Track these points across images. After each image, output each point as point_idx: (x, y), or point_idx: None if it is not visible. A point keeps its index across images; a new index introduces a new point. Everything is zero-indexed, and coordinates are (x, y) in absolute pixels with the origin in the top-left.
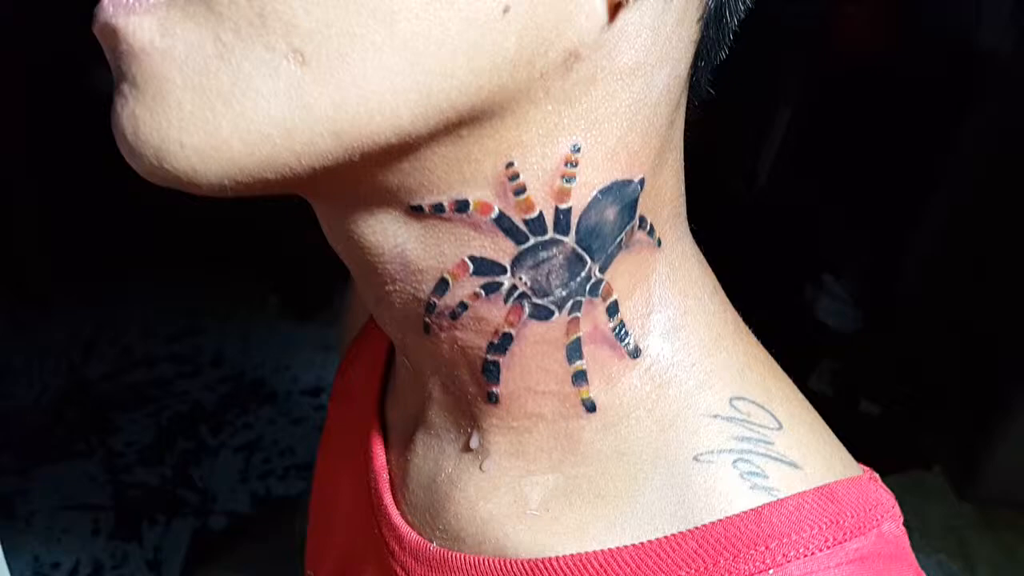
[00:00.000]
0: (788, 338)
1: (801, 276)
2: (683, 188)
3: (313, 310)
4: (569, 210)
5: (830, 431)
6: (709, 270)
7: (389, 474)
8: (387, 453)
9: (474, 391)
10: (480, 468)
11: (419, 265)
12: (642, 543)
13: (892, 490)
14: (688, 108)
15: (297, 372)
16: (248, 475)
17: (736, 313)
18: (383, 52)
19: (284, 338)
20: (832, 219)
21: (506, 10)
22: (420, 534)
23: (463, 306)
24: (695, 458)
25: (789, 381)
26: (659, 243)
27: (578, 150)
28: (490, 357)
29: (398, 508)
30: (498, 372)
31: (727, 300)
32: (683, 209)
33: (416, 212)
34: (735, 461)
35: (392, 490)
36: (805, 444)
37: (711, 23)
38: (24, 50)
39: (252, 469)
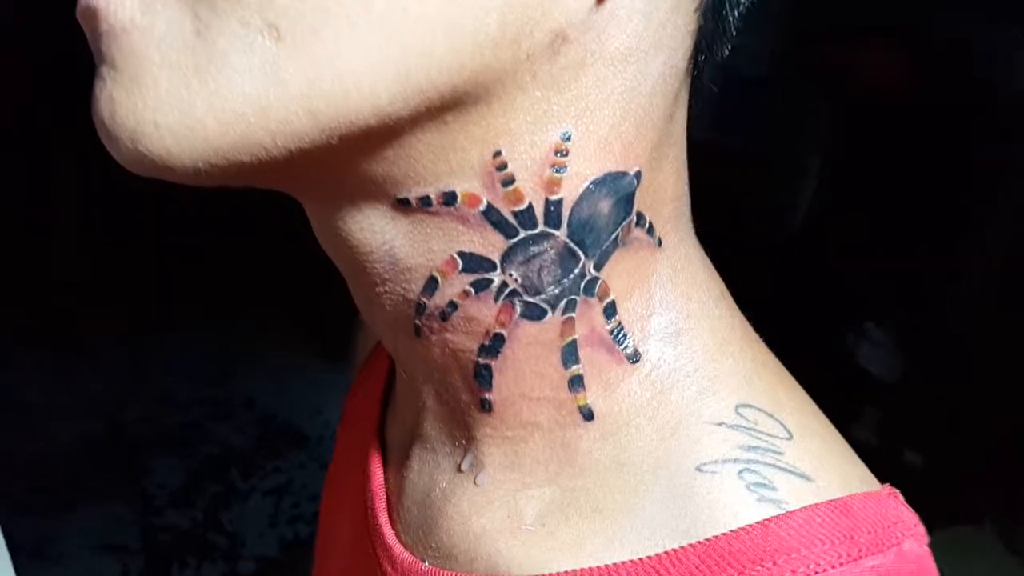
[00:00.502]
0: (829, 386)
1: (841, 323)
2: (687, 189)
3: (345, 353)
4: (560, 202)
5: (846, 445)
6: (716, 275)
7: (387, 493)
8: (386, 472)
9: (467, 399)
10: (474, 482)
11: (408, 263)
12: (641, 559)
13: (938, 545)
14: (690, 107)
15: (328, 416)
16: (277, 519)
17: (745, 321)
18: (358, 27)
19: (316, 381)
20: (871, 265)
21: None
22: (413, 553)
23: (453, 306)
24: (698, 468)
25: (802, 392)
26: (660, 243)
27: (568, 138)
28: (482, 360)
29: (393, 527)
30: (490, 377)
31: (735, 307)
32: (687, 211)
33: (403, 206)
34: (741, 471)
35: (389, 509)
36: (818, 456)
37: (709, 14)
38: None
39: (281, 513)
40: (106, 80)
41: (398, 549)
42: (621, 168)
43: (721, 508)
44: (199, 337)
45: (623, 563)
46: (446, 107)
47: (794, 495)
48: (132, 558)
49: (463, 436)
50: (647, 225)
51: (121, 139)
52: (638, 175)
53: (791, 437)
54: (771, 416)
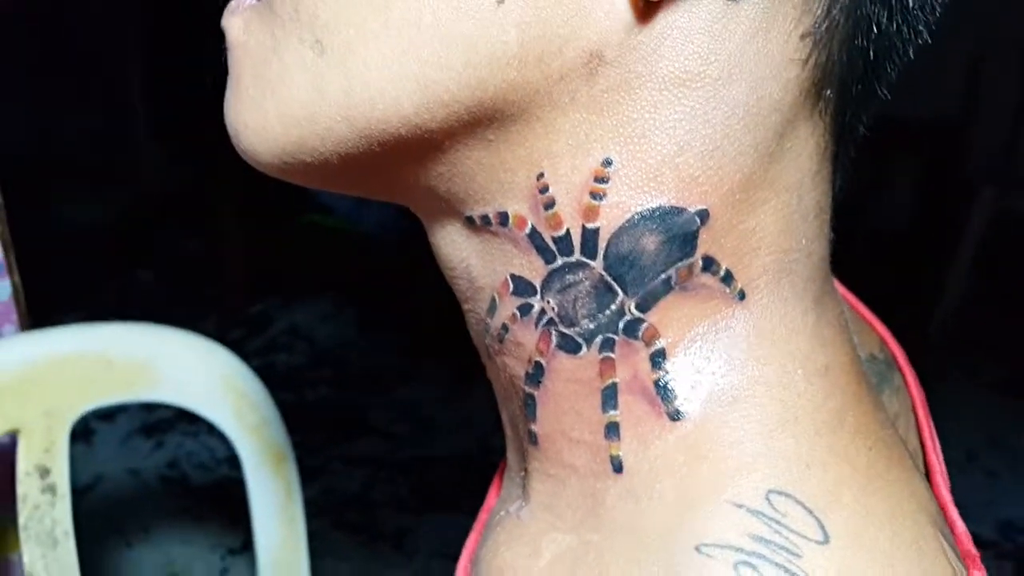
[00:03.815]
0: None
1: None
2: (808, 245)
3: None
4: (597, 231)
5: None
6: (833, 348)
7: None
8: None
9: (522, 428)
10: (518, 515)
11: (480, 283)
12: None
13: None
14: (834, 155)
15: None
16: None
17: (867, 410)
18: (380, 40)
19: None
20: None
21: (501, 1)
22: None
23: (505, 328)
24: (697, 548)
25: (908, 507)
26: (741, 296)
27: (610, 164)
28: (527, 389)
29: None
30: (535, 407)
31: (852, 391)
32: (803, 269)
33: (471, 224)
34: (738, 563)
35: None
36: (853, 574)
37: (832, 44)
38: None
39: None
40: (228, 87)
41: (461, 570)
42: (677, 203)
43: None
44: None
45: None
46: (481, 123)
47: None
48: None
49: (522, 467)
50: (721, 272)
51: (232, 135)
52: (702, 214)
53: (826, 542)
54: (810, 513)
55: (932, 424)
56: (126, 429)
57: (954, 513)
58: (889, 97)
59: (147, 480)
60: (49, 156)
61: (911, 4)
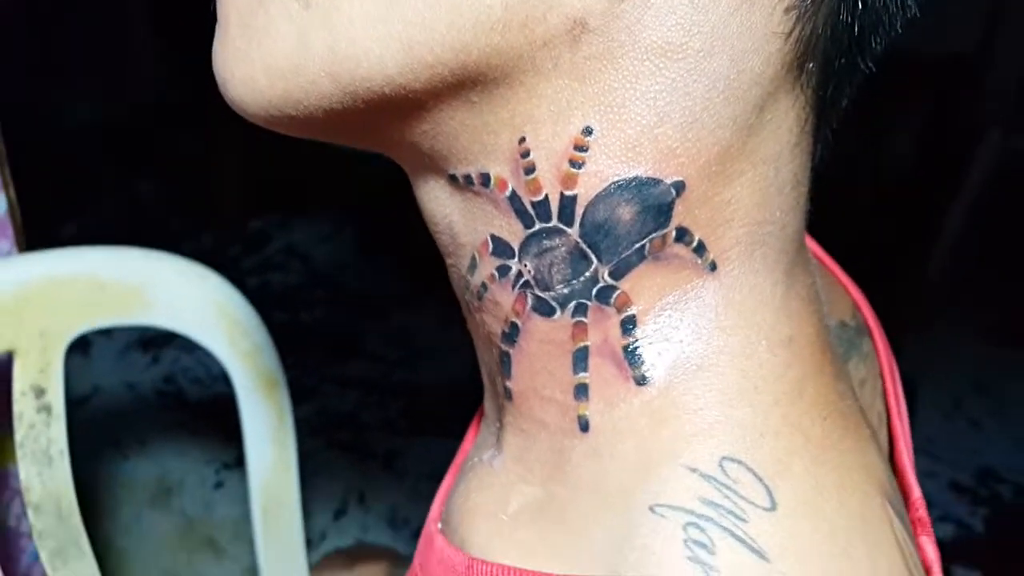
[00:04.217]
0: None
1: None
2: (783, 217)
3: None
4: (574, 199)
5: (886, 558)
6: (803, 324)
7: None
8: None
9: (499, 383)
10: (491, 463)
11: (461, 240)
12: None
13: None
14: (816, 127)
15: None
16: None
17: (828, 382)
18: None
19: None
20: None
21: None
22: (441, 516)
23: (484, 287)
24: (651, 508)
25: (858, 481)
26: (713, 267)
27: (590, 133)
28: (503, 347)
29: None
30: (510, 365)
31: (812, 362)
32: (776, 242)
33: (454, 183)
34: (687, 524)
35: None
36: (798, 540)
37: (816, 17)
38: None
39: None
40: (216, 36)
41: (434, 509)
42: (654, 174)
43: (649, 554)
44: None
45: (534, 572)
46: (464, 85)
47: (733, 568)
48: None
49: (498, 419)
50: (693, 243)
51: (220, 84)
52: (678, 185)
53: (772, 509)
54: (760, 480)
55: (900, 390)
56: (123, 343)
57: (912, 479)
58: (874, 70)
59: (143, 394)
60: (46, 62)
61: None
